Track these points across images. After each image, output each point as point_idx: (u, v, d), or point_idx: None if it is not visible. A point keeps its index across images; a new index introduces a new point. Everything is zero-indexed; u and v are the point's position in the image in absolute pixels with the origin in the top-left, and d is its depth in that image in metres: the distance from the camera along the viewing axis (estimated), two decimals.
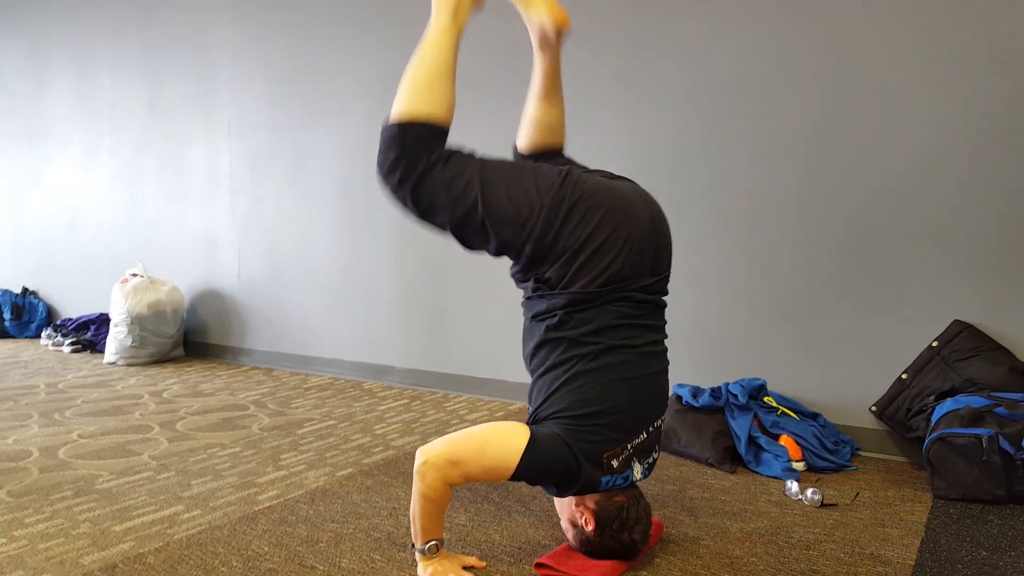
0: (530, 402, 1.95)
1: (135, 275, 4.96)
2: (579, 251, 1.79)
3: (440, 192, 1.82)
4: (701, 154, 3.22)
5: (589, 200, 1.81)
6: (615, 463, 1.82)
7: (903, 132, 2.83)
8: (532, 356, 1.92)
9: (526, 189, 1.82)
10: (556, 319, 1.83)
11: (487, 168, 1.86)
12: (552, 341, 1.85)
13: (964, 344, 2.71)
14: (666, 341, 1.96)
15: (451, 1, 1.91)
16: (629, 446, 1.84)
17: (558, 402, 1.83)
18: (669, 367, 1.97)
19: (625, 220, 1.82)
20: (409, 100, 1.83)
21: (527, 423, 1.88)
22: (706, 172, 3.21)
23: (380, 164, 1.85)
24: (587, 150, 3.47)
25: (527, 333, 1.96)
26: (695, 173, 3.24)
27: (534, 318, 1.91)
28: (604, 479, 1.82)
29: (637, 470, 1.88)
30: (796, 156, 3.03)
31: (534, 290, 1.91)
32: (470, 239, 1.89)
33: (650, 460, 1.93)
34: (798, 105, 3.01)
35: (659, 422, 1.92)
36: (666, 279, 1.94)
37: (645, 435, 1.87)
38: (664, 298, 1.94)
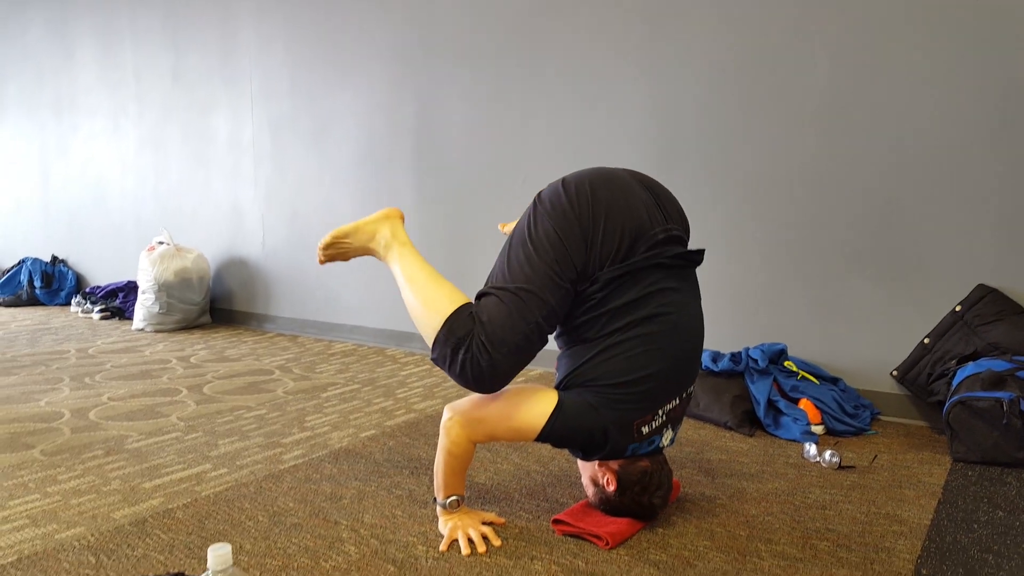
0: (558, 370, 1.94)
1: (161, 243, 5.03)
2: (595, 227, 1.77)
3: (507, 332, 1.76)
4: (720, 121, 3.20)
5: (574, 183, 1.82)
6: (645, 430, 1.82)
7: (925, 95, 2.79)
8: (565, 332, 1.89)
9: (534, 243, 1.79)
10: (595, 301, 1.80)
11: (497, 285, 1.82)
12: (590, 320, 1.81)
13: (988, 308, 2.68)
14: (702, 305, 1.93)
15: (384, 238, 1.99)
16: (661, 412, 1.83)
17: (591, 371, 1.80)
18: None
19: (610, 183, 1.82)
20: (434, 314, 1.82)
21: (555, 387, 1.89)
22: (726, 139, 3.19)
23: (462, 377, 1.79)
24: (603, 123, 3.47)
25: None
26: (715, 140, 3.22)
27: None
28: (631, 446, 1.83)
29: (667, 436, 1.89)
30: (816, 120, 3.00)
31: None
32: (567, 305, 1.82)
33: (679, 427, 1.94)
34: (819, 69, 2.97)
35: (691, 388, 1.91)
36: (685, 231, 1.91)
37: (677, 401, 1.87)
38: (694, 255, 1.89)
